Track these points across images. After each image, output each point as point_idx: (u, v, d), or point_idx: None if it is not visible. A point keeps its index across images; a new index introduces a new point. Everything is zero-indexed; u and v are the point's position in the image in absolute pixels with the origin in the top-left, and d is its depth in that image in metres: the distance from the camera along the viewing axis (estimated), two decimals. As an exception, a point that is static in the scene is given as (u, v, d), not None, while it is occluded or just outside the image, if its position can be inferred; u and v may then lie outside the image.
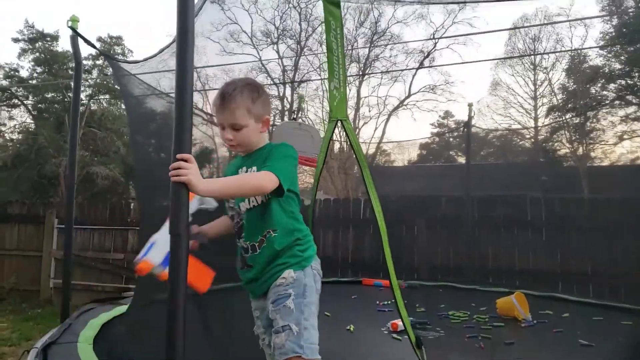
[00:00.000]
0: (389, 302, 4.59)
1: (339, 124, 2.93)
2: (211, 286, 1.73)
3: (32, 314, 7.52)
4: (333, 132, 3.04)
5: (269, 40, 15.61)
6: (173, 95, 1.67)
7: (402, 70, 16.71)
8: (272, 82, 15.62)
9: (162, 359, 1.52)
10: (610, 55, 15.44)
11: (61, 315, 3.98)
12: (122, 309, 3.98)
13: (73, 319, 3.59)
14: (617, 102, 15.65)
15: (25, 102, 16.33)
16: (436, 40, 16.23)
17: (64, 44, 16.35)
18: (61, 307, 4.01)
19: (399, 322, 3.80)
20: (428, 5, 16.53)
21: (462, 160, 21.94)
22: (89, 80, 15.08)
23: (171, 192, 1.84)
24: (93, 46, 3.77)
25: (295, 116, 5.76)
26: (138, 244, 7.92)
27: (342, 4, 2.89)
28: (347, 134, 2.89)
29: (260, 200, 1.74)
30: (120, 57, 15.18)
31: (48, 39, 16.09)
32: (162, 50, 3.10)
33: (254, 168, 1.73)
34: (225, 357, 2.95)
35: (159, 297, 3.99)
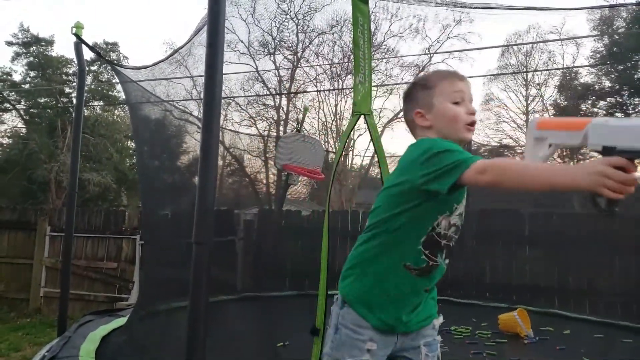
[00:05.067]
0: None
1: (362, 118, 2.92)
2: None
3: (21, 323, 7.37)
4: (354, 126, 3.04)
5: (265, 50, 15.66)
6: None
7: (397, 84, 16.83)
8: (268, 93, 15.64)
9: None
10: (601, 73, 15.71)
11: (58, 327, 3.90)
12: (121, 321, 3.93)
13: (72, 332, 3.52)
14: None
15: (17, 106, 16.17)
16: (431, 54, 16.42)
17: (58, 49, 16.30)
18: (58, 318, 3.93)
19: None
20: (424, 21, 16.72)
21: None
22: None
23: (197, 199, 1.83)
24: (99, 54, 3.76)
25: (299, 127, 5.80)
26: (132, 253, 7.83)
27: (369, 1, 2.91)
28: (369, 129, 2.92)
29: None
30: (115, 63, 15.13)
31: (43, 43, 16.01)
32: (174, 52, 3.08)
33: None
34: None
35: (160, 308, 3.95)
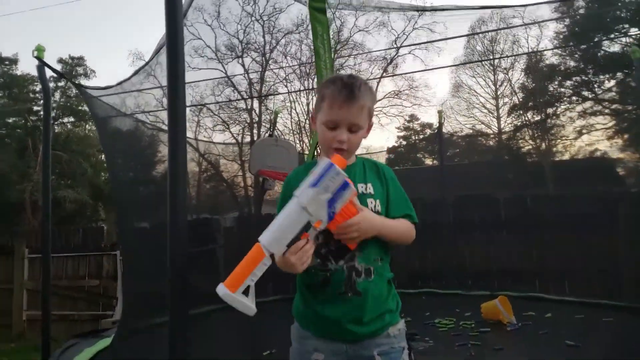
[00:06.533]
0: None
1: None
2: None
3: (5, 348, 7.24)
4: None
5: (233, 54, 15.53)
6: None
7: (367, 79, 16.81)
8: (240, 97, 15.54)
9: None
10: (565, 53, 16.03)
11: (42, 351, 3.84)
12: (105, 342, 3.89)
13: (56, 356, 3.48)
14: (574, 98, 16.25)
15: (-17, 127, 15.74)
16: (398, 46, 16.47)
17: (23, 67, 15.87)
18: (42, 343, 3.87)
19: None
20: (388, 12, 16.78)
21: (429, 162, 22.31)
22: (52, 103, 14.69)
23: (168, 212, 1.85)
24: (62, 75, 3.72)
25: (271, 132, 5.80)
26: (113, 269, 7.73)
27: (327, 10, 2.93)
28: None
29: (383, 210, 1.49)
30: (82, 77, 14.93)
31: (7, 62, 15.60)
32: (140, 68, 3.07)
33: (369, 185, 1.50)
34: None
35: (144, 325, 3.92)
